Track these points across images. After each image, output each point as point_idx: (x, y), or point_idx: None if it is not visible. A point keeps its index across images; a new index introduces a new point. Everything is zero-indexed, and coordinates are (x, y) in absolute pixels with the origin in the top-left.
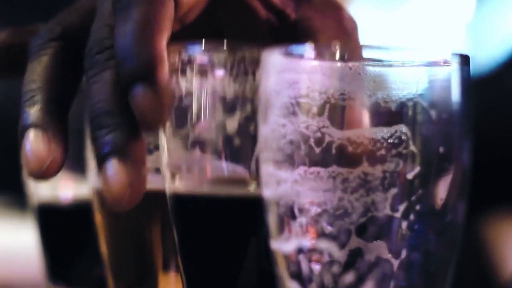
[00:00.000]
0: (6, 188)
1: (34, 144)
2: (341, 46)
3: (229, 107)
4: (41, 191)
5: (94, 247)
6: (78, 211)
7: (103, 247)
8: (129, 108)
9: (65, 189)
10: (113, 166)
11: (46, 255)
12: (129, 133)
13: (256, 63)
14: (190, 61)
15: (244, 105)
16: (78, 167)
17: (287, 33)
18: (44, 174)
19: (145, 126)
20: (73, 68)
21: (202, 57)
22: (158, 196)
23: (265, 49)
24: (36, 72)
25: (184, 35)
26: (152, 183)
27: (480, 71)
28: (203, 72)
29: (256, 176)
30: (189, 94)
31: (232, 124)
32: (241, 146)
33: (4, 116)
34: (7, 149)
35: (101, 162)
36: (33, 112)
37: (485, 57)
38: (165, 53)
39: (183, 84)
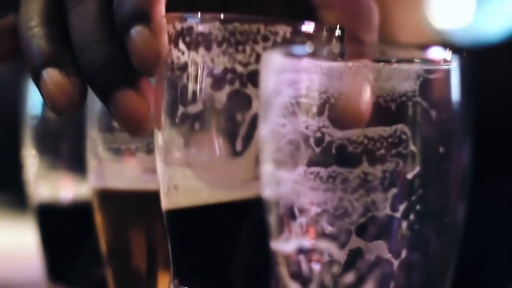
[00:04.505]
0: (6, 188)
1: (56, 81)
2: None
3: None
4: (41, 191)
5: (94, 247)
6: (78, 211)
7: (103, 247)
8: (118, 39)
9: (65, 189)
10: (126, 97)
11: (46, 255)
12: (125, 61)
13: (247, 35)
14: (184, 32)
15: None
16: (78, 167)
17: (298, 5)
18: (73, 108)
19: (142, 68)
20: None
21: (195, 28)
22: (158, 196)
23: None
24: (32, 10)
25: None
26: (152, 183)
27: (490, 40)
28: (196, 43)
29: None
30: (183, 66)
31: (221, 98)
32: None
33: (3, 117)
34: (7, 148)
35: (107, 95)
36: (42, 49)
37: (495, 26)
38: None
39: (175, 55)
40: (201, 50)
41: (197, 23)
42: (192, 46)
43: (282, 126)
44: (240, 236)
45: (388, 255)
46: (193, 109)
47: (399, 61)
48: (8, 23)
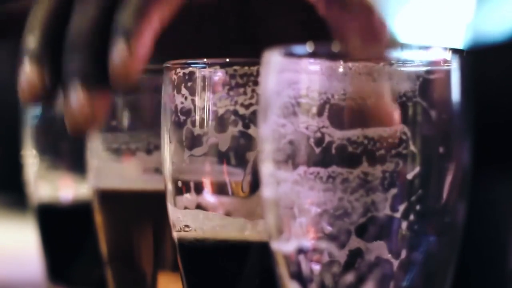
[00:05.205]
0: (6, 188)
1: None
2: (343, 46)
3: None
4: (41, 191)
5: (94, 247)
6: (78, 211)
7: (103, 247)
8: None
9: (65, 189)
10: (77, 92)
11: (46, 255)
12: (95, 62)
13: (247, 77)
14: (186, 77)
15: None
16: (78, 167)
17: (315, 29)
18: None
19: (113, 82)
20: None
21: (197, 73)
22: (158, 196)
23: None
24: (36, 19)
25: (213, 28)
26: (152, 183)
27: (495, 38)
28: (198, 88)
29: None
30: (186, 111)
31: (225, 140)
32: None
33: (4, 117)
34: (7, 148)
35: (65, 87)
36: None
37: (496, 25)
38: (154, 22)
39: (179, 100)
40: (204, 94)
41: (199, 68)
42: (195, 91)
43: (282, 126)
44: (252, 275)
45: (388, 255)
46: (199, 152)
47: (399, 61)
48: (21, 6)
